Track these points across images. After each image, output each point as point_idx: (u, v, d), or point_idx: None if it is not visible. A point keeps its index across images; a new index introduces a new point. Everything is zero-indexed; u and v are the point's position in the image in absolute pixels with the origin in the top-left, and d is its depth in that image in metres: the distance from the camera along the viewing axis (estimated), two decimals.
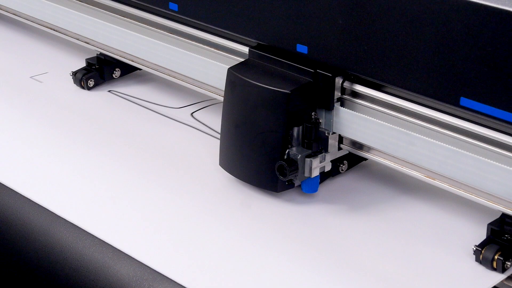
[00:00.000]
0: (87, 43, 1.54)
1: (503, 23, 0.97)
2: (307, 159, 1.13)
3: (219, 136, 1.25)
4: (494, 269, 1.05)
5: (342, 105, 1.16)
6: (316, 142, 1.14)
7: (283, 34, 1.20)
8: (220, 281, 1.04)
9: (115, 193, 1.21)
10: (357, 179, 1.24)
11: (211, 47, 1.33)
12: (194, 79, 1.37)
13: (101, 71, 1.52)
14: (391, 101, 1.12)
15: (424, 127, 1.09)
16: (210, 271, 1.06)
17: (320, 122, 1.15)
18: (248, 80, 1.15)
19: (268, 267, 1.07)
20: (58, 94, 1.49)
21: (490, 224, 1.08)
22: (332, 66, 1.14)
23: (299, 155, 1.13)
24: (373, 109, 1.14)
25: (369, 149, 1.17)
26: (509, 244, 1.06)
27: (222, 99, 1.33)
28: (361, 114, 1.14)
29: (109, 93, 1.49)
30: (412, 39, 1.05)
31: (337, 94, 1.15)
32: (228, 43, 1.30)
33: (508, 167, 1.02)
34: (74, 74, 1.52)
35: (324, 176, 1.20)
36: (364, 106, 1.14)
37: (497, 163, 1.03)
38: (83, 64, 1.54)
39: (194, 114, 1.42)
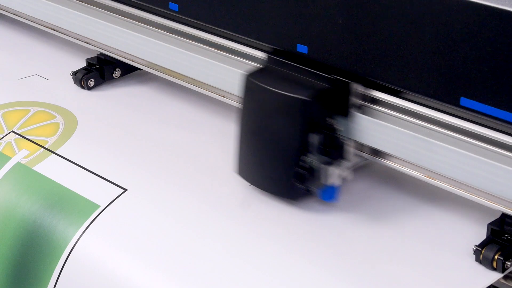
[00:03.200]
0: (87, 43, 1.54)
1: (503, 23, 0.97)
2: (325, 166, 1.12)
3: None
4: (494, 269, 1.05)
5: (359, 111, 1.14)
6: (335, 149, 1.13)
7: (283, 34, 1.20)
8: None
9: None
10: (356, 179, 1.23)
11: (211, 47, 1.33)
12: (194, 79, 1.37)
13: (101, 71, 1.52)
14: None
15: (424, 127, 1.09)
16: (222, 280, 1.06)
17: (337, 129, 1.13)
18: (266, 86, 1.14)
19: (280, 273, 1.07)
20: (58, 94, 1.49)
21: (490, 224, 1.08)
22: (348, 71, 1.13)
23: (317, 162, 1.11)
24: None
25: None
26: (509, 244, 1.06)
27: (222, 99, 1.34)
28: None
29: (109, 93, 1.50)
30: (412, 39, 1.05)
31: (355, 100, 1.14)
32: (228, 43, 1.30)
33: (508, 167, 1.02)
34: (74, 74, 1.52)
35: None
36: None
37: (497, 163, 1.03)
38: (83, 64, 1.54)
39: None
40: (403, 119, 1.11)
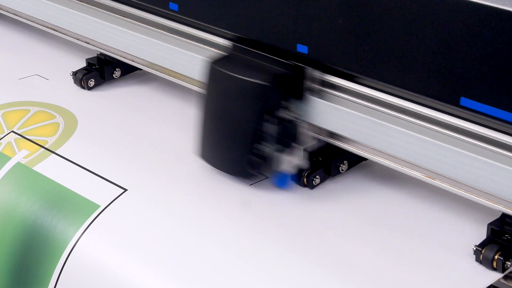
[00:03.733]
0: (87, 43, 1.54)
1: (503, 23, 0.97)
2: (278, 154, 1.15)
3: None
4: (494, 269, 1.05)
5: (315, 95, 1.17)
6: (289, 138, 1.16)
7: (283, 34, 1.20)
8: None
9: None
10: (356, 179, 1.24)
11: (211, 47, 1.33)
12: (194, 79, 1.37)
13: (101, 71, 1.52)
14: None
15: (424, 127, 1.09)
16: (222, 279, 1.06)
17: (293, 113, 1.16)
18: (227, 72, 1.18)
19: (266, 266, 1.07)
20: (58, 94, 1.49)
21: (490, 224, 1.08)
22: (304, 57, 1.16)
23: (271, 150, 1.15)
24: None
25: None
26: (509, 244, 1.06)
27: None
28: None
29: (109, 93, 1.50)
30: (412, 39, 1.05)
31: (311, 84, 1.17)
32: (228, 43, 1.30)
33: (508, 167, 1.02)
34: (74, 74, 1.52)
35: (325, 175, 1.21)
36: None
37: (497, 163, 1.03)
38: (83, 64, 1.54)
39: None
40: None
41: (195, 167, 1.27)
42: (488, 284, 1.04)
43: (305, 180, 1.20)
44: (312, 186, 1.20)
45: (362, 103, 1.15)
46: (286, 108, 1.16)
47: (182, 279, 1.06)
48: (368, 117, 1.14)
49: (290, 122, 1.16)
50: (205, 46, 1.33)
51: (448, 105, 1.06)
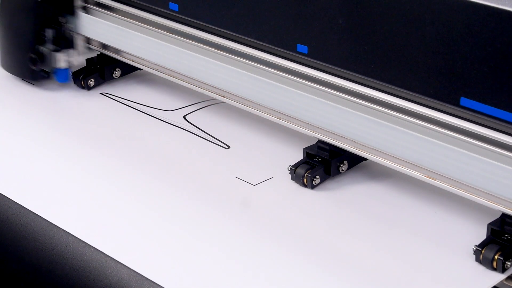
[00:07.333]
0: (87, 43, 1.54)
1: (503, 23, 0.97)
2: (54, 53, 1.46)
3: (211, 138, 1.31)
4: (494, 269, 1.05)
5: (85, 11, 1.49)
6: (63, 40, 1.48)
7: (283, 34, 1.20)
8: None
9: (109, 195, 1.21)
10: (356, 179, 1.24)
11: (211, 47, 1.33)
12: (194, 79, 1.37)
13: (101, 71, 1.52)
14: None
15: (424, 127, 1.09)
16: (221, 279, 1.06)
17: (65, 25, 1.48)
18: None
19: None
20: (58, 94, 1.49)
21: (490, 224, 1.08)
22: None
23: (47, 50, 1.46)
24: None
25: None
26: (509, 244, 1.06)
27: (221, 98, 1.34)
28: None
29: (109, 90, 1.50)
30: (412, 39, 1.05)
31: (80, 2, 1.49)
32: (228, 43, 1.30)
33: (508, 167, 1.02)
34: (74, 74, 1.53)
35: (325, 175, 1.21)
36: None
37: (497, 163, 1.03)
38: (83, 64, 1.54)
39: (187, 116, 1.42)
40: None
41: (194, 167, 1.27)
42: (491, 286, 1.04)
43: (305, 180, 1.20)
44: (312, 186, 1.20)
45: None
46: (61, 22, 1.48)
47: (182, 278, 1.06)
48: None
49: (64, 28, 1.48)
50: (205, 46, 1.33)
51: (448, 105, 1.06)
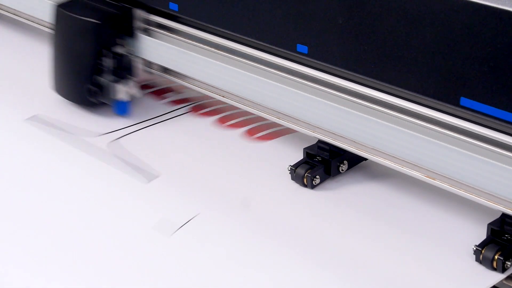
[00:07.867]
0: None
1: (503, 23, 0.97)
2: (113, 84, 1.35)
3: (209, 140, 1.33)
4: (494, 269, 1.05)
5: (145, 33, 1.39)
6: (123, 70, 1.37)
7: (283, 34, 1.20)
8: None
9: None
10: (356, 179, 1.24)
11: (211, 47, 1.33)
12: (194, 79, 1.37)
13: None
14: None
15: (424, 127, 1.09)
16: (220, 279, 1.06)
17: (126, 49, 1.38)
18: (69, 13, 1.37)
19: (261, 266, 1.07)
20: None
21: (490, 224, 1.08)
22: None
23: (106, 80, 1.35)
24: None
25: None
26: (509, 244, 1.06)
27: (221, 98, 1.34)
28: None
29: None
30: (412, 39, 1.05)
31: (140, 24, 1.39)
32: (228, 43, 1.30)
33: (508, 167, 1.02)
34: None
35: (325, 175, 1.21)
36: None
37: (497, 163, 1.03)
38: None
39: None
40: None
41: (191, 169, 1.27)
42: (491, 285, 1.04)
43: (305, 180, 1.20)
44: (312, 186, 1.20)
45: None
46: (120, 45, 1.37)
47: (182, 278, 1.06)
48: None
49: (124, 56, 1.37)
50: (205, 46, 1.33)
51: (448, 105, 1.06)
